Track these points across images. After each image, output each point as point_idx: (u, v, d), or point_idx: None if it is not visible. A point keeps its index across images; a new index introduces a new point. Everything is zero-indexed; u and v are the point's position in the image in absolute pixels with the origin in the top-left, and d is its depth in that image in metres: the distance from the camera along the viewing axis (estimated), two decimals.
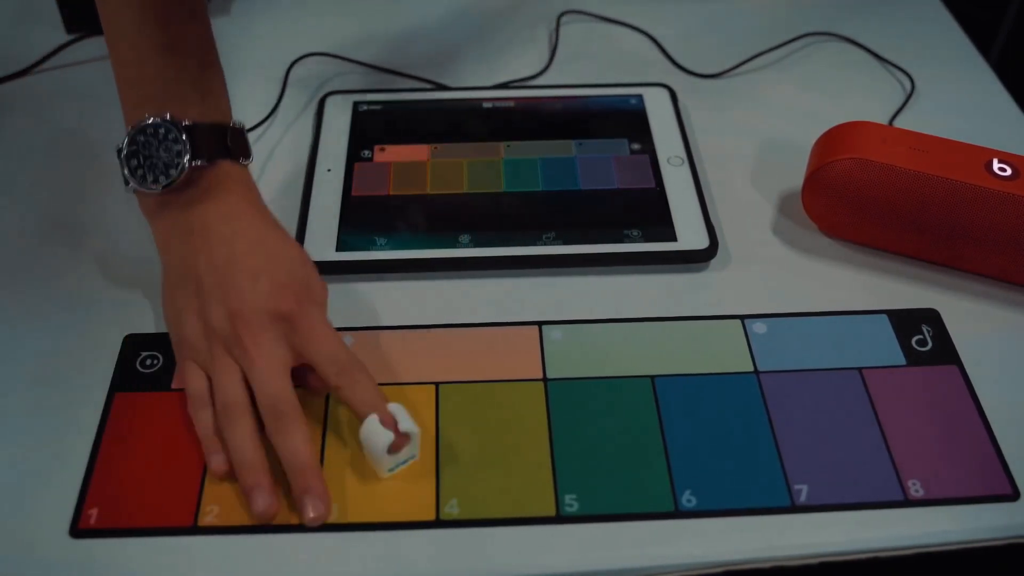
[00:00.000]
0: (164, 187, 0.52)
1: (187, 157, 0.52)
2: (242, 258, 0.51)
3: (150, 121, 0.53)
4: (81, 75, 0.74)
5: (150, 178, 0.52)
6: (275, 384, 0.49)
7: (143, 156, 0.53)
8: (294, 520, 0.47)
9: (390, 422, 0.48)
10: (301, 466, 0.48)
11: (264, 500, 0.47)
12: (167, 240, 0.54)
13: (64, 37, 0.77)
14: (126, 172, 0.53)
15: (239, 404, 0.49)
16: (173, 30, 0.53)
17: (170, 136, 0.52)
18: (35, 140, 0.68)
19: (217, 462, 0.49)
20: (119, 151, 0.53)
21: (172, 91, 0.54)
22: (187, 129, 0.52)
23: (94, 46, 0.77)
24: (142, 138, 0.53)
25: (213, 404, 0.50)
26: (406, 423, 0.48)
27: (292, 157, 0.67)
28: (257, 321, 0.50)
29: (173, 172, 0.52)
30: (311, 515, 0.47)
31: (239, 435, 0.48)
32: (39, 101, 0.72)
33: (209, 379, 0.51)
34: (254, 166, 0.66)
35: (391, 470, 0.49)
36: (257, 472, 0.48)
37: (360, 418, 0.48)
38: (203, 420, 0.50)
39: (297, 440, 0.48)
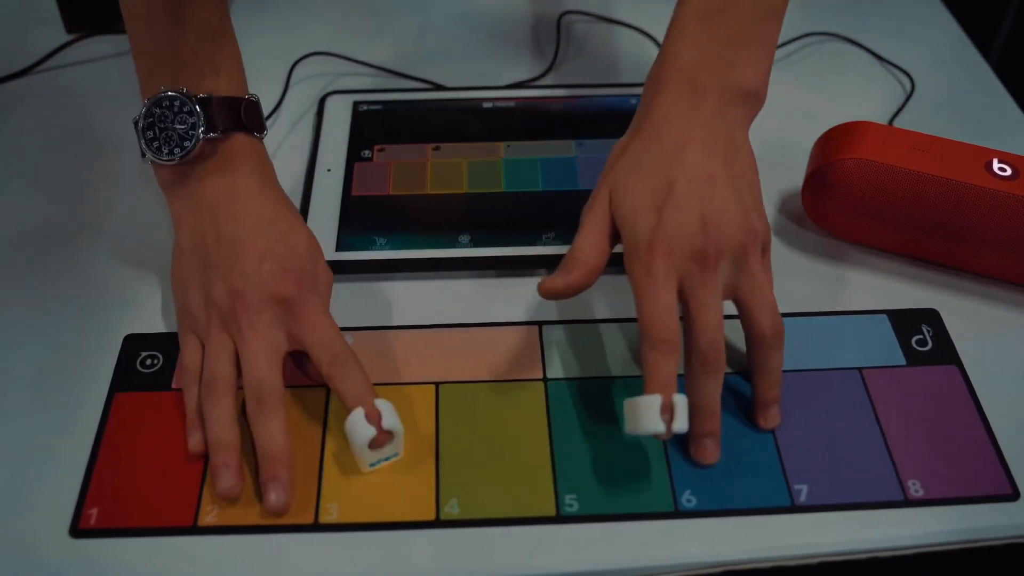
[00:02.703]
0: (179, 159, 0.53)
1: (201, 129, 0.52)
2: (250, 238, 0.52)
3: (166, 93, 0.53)
4: (81, 75, 0.74)
5: (165, 150, 0.53)
6: (262, 367, 0.49)
7: (159, 128, 0.53)
8: (294, 520, 0.47)
9: (375, 417, 0.48)
10: (273, 454, 0.48)
11: (230, 480, 0.47)
12: (180, 212, 0.54)
13: (64, 37, 0.77)
14: (143, 144, 0.53)
15: (224, 380, 0.49)
16: (186, 3, 0.53)
17: (185, 108, 0.52)
18: (35, 140, 0.68)
19: (195, 441, 0.49)
20: (136, 122, 0.54)
21: (187, 64, 0.54)
22: (201, 101, 0.53)
23: (94, 46, 0.77)
24: (158, 110, 0.53)
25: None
26: (390, 420, 0.48)
27: (292, 157, 0.67)
28: (256, 302, 0.50)
29: (188, 144, 0.52)
30: (272, 501, 0.47)
31: (218, 412, 0.49)
32: (39, 101, 0.72)
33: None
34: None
35: (372, 465, 0.49)
36: (227, 452, 0.48)
37: (347, 410, 0.48)
38: (191, 395, 0.51)
39: (273, 427, 0.48)
